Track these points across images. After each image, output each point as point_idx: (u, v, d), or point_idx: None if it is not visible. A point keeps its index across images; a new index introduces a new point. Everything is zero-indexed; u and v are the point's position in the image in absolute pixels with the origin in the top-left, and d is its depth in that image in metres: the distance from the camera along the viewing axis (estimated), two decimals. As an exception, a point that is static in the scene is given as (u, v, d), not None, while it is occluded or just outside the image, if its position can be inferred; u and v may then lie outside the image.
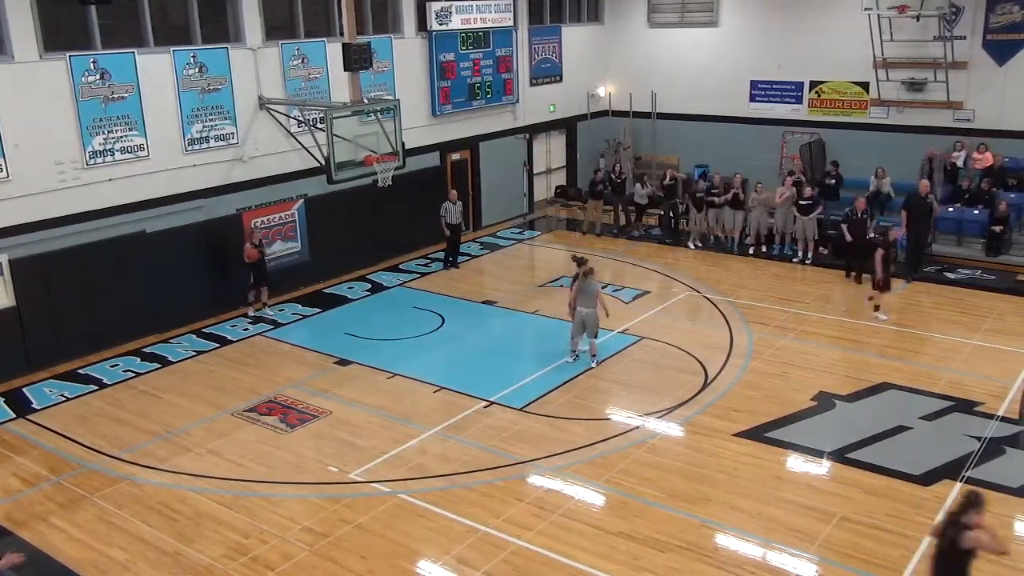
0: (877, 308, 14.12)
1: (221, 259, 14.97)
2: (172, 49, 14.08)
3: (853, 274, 16.09)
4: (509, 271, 17.75)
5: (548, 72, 21.80)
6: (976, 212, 17.16)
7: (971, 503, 6.57)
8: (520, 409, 11.36)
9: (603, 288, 13.19)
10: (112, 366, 13.17)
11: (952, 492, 9.15)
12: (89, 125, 13.17)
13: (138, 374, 12.88)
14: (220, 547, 8.61)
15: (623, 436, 10.59)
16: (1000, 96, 18.02)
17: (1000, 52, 17.88)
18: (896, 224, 16.04)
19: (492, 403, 11.55)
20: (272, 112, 15.46)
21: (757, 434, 10.52)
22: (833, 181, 18.39)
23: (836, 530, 8.57)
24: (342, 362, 13.08)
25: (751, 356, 12.86)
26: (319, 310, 15.48)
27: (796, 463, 9.92)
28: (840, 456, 9.95)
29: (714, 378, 12.15)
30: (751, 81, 21.13)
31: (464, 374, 12.49)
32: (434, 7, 18.18)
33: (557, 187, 22.87)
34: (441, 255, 17.98)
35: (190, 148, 14.50)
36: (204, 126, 14.64)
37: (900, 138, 19.06)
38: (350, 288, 16.59)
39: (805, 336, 13.60)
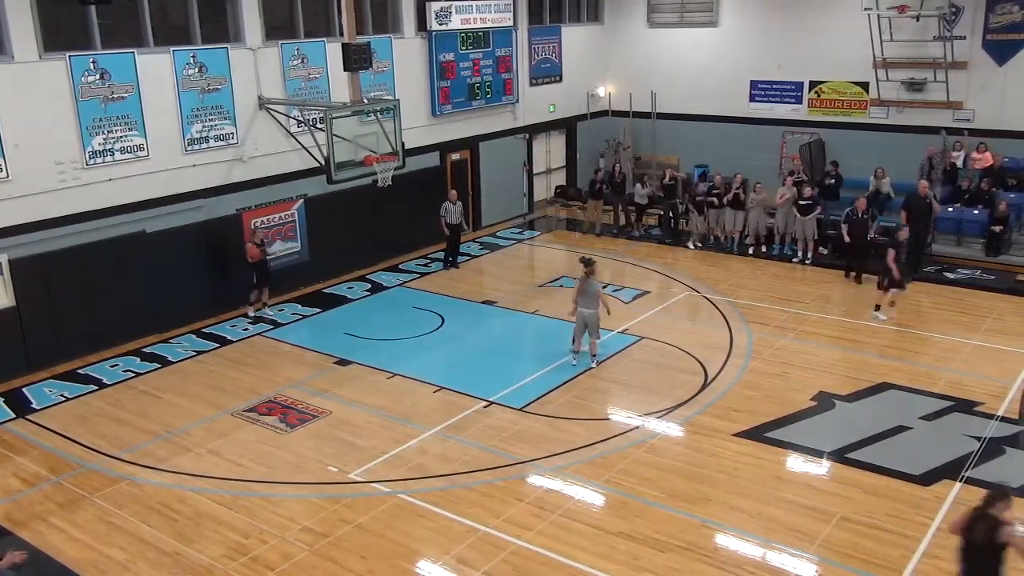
0: (878, 308, 14.11)
1: (221, 259, 14.97)
2: (172, 49, 14.08)
3: (853, 274, 16.08)
4: (509, 271, 17.75)
5: (548, 72, 21.80)
6: (976, 212, 17.17)
7: (999, 497, 6.47)
8: (520, 409, 11.36)
9: (603, 288, 13.17)
10: (112, 366, 13.17)
11: (952, 492, 9.15)
12: (89, 125, 13.17)
13: (138, 374, 12.88)
14: (220, 547, 8.61)
15: (623, 436, 10.59)
16: (1000, 96, 18.03)
17: (1000, 52, 17.89)
18: (900, 225, 16.03)
19: (492, 403, 11.55)
20: (272, 112, 15.46)
21: (757, 434, 10.52)
22: (833, 181, 18.39)
23: (836, 530, 8.57)
24: (342, 362, 13.08)
25: (751, 356, 12.86)
26: (319, 310, 15.48)
27: (796, 463, 9.92)
28: (840, 456, 9.95)
29: (714, 378, 12.15)
30: (751, 81, 21.14)
31: (464, 374, 12.49)
32: (434, 7, 18.18)
33: (557, 187, 22.88)
34: (441, 255, 17.98)
35: (190, 148, 14.50)
36: (204, 126, 14.64)
37: (900, 138, 19.06)
38: (350, 288, 16.59)
39: (805, 336, 13.60)
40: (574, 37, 22.34)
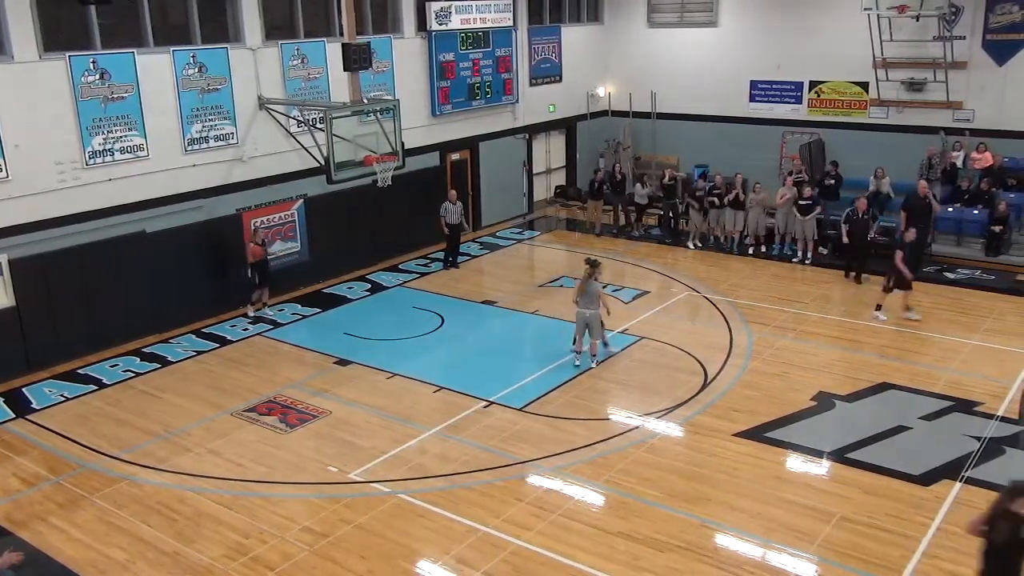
0: (879, 308, 14.09)
1: (221, 259, 14.97)
2: (172, 49, 14.08)
3: (852, 274, 16.08)
4: (509, 271, 17.75)
5: (548, 72, 21.80)
6: (976, 212, 17.16)
7: (1019, 492, 6.33)
8: (520, 409, 11.36)
9: (603, 288, 13.16)
10: (112, 366, 13.17)
11: (952, 492, 9.15)
12: (89, 125, 13.17)
13: (138, 374, 12.88)
14: (220, 547, 8.61)
15: (623, 436, 10.59)
16: (1000, 96, 18.03)
17: (1000, 52, 17.89)
18: (901, 225, 16.05)
19: (492, 403, 11.55)
20: (272, 112, 15.46)
21: (757, 434, 10.52)
22: (832, 181, 18.39)
23: (836, 530, 8.57)
24: (342, 362, 13.08)
25: (751, 356, 12.86)
26: (319, 310, 15.48)
27: (796, 463, 9.92)
28: (840, 456, 9.95)
29: (714, 378, 12.15)
30: (751, 81, 21.14)
31: (464, 374, 12.49)
32: (434, 7, 18.18)
33: (557, 187, 22.88)
34: (441, 255, 17.98)
35: (190, 148, 14.50)
36: (204, 126, 14.64)
37: (900, 138, 19.06)
38: (350, 288, 16.59)
39: (805, 336, 13.60)
40: (574, 37, 22.34)
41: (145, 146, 13.89)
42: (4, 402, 12.02)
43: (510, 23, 20.08)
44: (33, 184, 12.66)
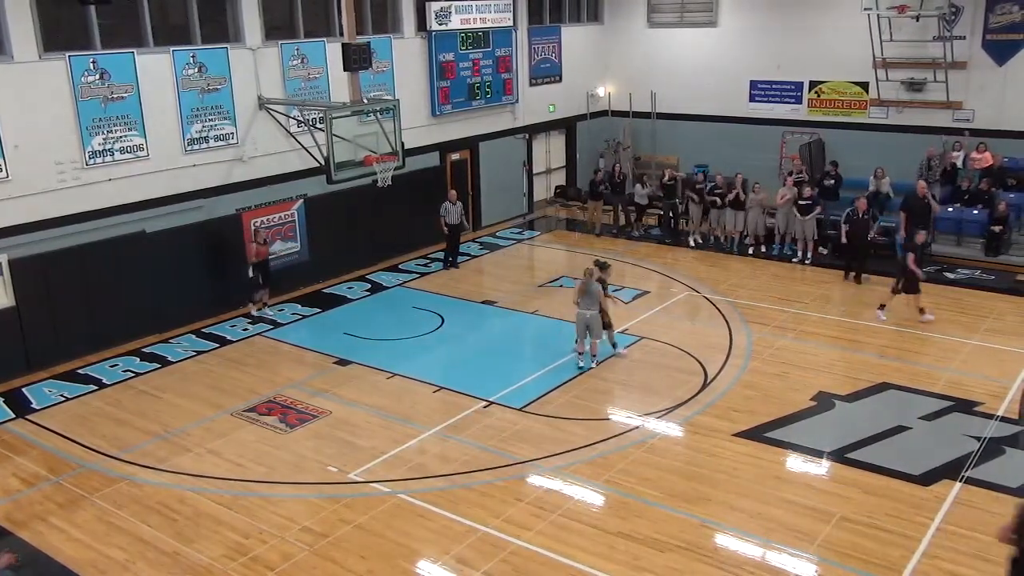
0: (882, 307, 14.07)
1: (221, 259, 14.97)
2: (172, 49, 14.08)
3: (852, 274, 16.07)
4: (509, 271, 17.75)
5: (548, 72, 21.80)
6: (975, 212, 17.16)
7: None
8: (520, 409, 11.36)
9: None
10: (112, 366, 13.17)
11: (952, 492, 9.15)
12: (89, 125, 13.17)
13: (138, 374, 12.88)
14: (219, 547, 8.61)
15: (623, 436, 10.59)
16: (1000, 96, 18.03)
17: (1000, 52, 17.89)
18: (900, 226, 16.06)
19: (492, 403, 11.55)
20: (272, 112, 15.46)
21: (757, 434, 10.52)
22: (832, 181, 18.39)
23: (836, 530, 8.57)
24: (342, 362, 13.08)
25: (750, 356, 12.86)
26: (319, 310, 15.48)
27: (796, 463, 9.92)
28: (840, 456, 9.95)
29: (713, 378, 12.15)
30: (751, 81, 21.14)
31: (464, 374, 12.49)
32: (434, 7, 18.18)
33: (557, 187, 22.87)
34: (441, 255, 17.98)
35: (190, 148, 14.50)
36: (204, 126, 14.64)
37: (900, 138, 19.05)
38: (350, 288, 16.59)
39: (804, 336, 13.60)
40: (574, 37, 22.34)
41: (145, 146, 13.89)
42: (4, 402, 12.02)
43: (510, 23, 20.08)
44: (33, 184, 12.66)
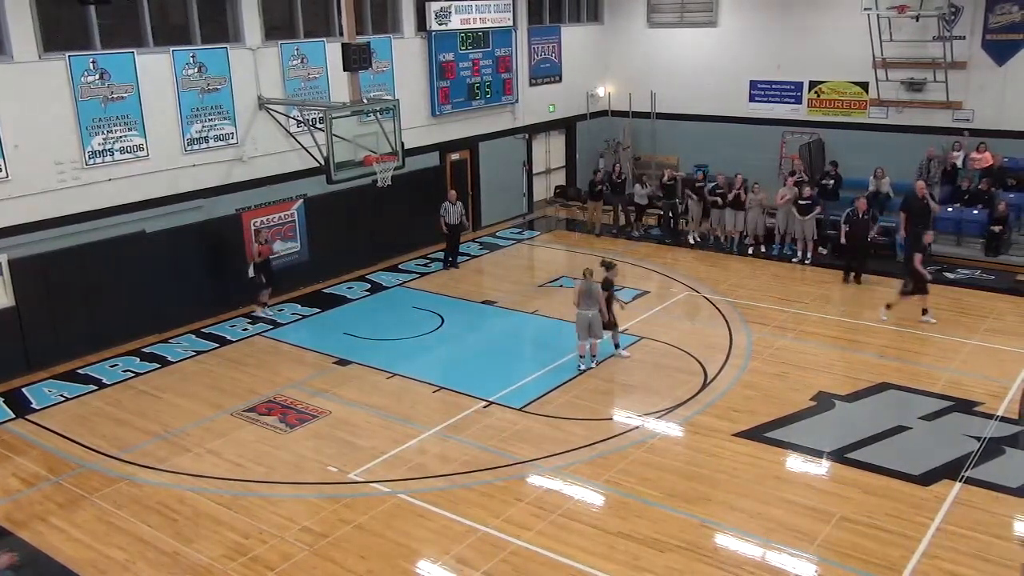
0: (889, 307, 14.04)
1: (220, 259, 14.97)
2: (171, 49, 14.08)
3: (852, 275, 16.06)
4: (509, 271, 17.75)
5: (547, 72, 21.80)
6: (975, 212, 17.16)
7: None
8: (520, 409, 11.36)
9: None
10: (111, 366, 13.16)
11: (952, 492, 9.15)
12: (89, 125, 13.17)
13: (137, 374, 12.88)
14: (219, 547, 8.61)
15: (623, 436, 10.59)
16: (999, 96, 18.03)
17: (999, 52, 17.89)
18: (900, 226, 16.06)
19: (492, 403, 11.55)
20: (271, 112, 15.46)
21: (757, 434, 10.52)
22: (832, 181, 18.39)
23: (836, 530, 8.57)
24: (341, 362, 13.08)
25: (750, 356, 12.86)
26: (318, 310, 15.48)
27: (796, 463, 9.92)
28: (840, 456, 9.95)
29: (713, 378, 12.15)
30: (750, 81, 21.14)
31: (464, 374, 12.49)
32: (433, 7, 18.18)
33: (557, 187, 22.87)
34: (441, 255, 17.98)
35: (189, 148, 14.50)
36: (203, 126, 14.64)
37: (899, 138, 19.05)
38: (349, 288, 16.59)
39: (804, 336, 13.60)
40: (574, 37, 22.33)
41: (145, 146, 13.88)
42: (4, 402, 12.01)
43: (510, 23, 20.08)
44: (33, 184, 12.66)
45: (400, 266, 17.84)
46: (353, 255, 17.29)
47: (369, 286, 16.70)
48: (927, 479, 9.41)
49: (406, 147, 15.88)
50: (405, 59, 18.00)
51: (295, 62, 15.85)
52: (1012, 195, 17.21)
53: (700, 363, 12.63)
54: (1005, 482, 9.31)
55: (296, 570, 8.23)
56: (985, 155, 17.69)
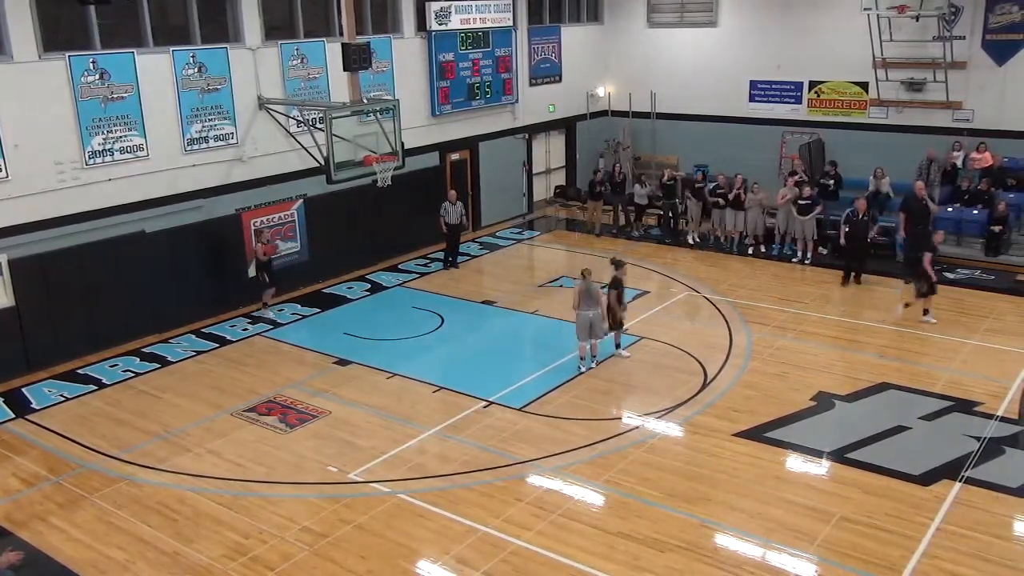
0: (926, 312, 13.96)
1: (220, 259, 14.97)
2: (171, 49, 14.07)
3: (853, 275, 16.04)
4: (509, 271, 17.75)
5: (547, 72, 21.80)
6: (975, 212, 17.16)
7: None
8: (519, 409, 11.36)
9: (602, 289, 13.17)
10: (111, 366, 13.16)
11: (952, 492, 9.15)
12: (88, 125, 13.17)
13: (137, 374, 12.88)
14: (219, 547, 8.61)
15: (622, 436, 10.59)
16: (999, 96, 18.03)
17: (999, 52, 17.89)
18: (900, 226, 16.03)
19: (492, 403, 11.55)
20: (271, 112, 15.46)
21: (757, 434, 10.52)
22: (831, 181, 18.39)
23: (836, 530, 8.57)
24: (341, 362, 13.08)
25: (750, 356, 12.86)
26: (318, 310, 15.48)
27: (796, 463, 9.92)
28: (840, 456, 9.95)
29: (713, 378, 12.15)
30: (750, 81, 21.14)
31: (464, 374, 12.49)
32: (433, 7, 18.19)
33: (556, 187, 22.87)
34: (441, 255, 17.98)
35: (189, 148, 14.50)
36: (203, 126, 14.64)
37: (899, 138, 19.05)
38: (349, 288, 16.59)
39: (804, 336, 13.60)
40: (574, 37, 22.33)
41: (145, 146, 13.88)
42: (4, 402, 12.01)
43: (510, 23, 20.08)
44: (33, 184, 12.66)
45: (400, 266, 17.84)
46: (353, 255, 17.29)
47: (369, 286, 16.70)
48: (927, 479, 9.41)
49: (406, 147, 15.87)
50: (405, 59, 18.00)
51: (295, 62, 15.85)
52: (1012, 195, 17.20)
53: (700, 363, 12.63)
54: (1005, 482, 9.31)
55: (296, 570, 8.23)
56: (985, 155, 17.70)
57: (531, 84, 21.29)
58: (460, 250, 18.07)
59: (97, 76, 13.17)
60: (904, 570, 7.98)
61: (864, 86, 19.61)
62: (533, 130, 21.65)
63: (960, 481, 9.34)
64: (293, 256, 16.32)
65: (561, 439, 10.52)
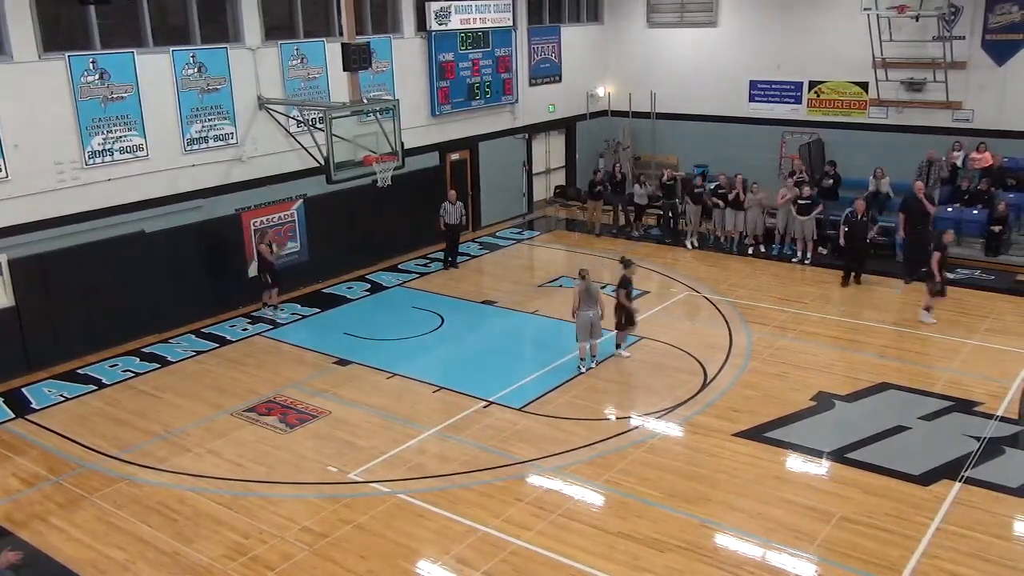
0: (928, 309, 13.95)
1: (220, 259, 14.97)
2: (171, 49, 14.07)
3: (853, 275, 16.03)
4: (509, 271, 17.75)
5: (547, 72, 21.80)
6: (975, 212, 17.16)
7: None
8: (519, 409, 11.36)
9: (602, 288, 13.19)
10: (111, 366, 13.16)
11: (952, 492, 9.15)
12: (88, 125, 13.16)
13: (137, 374, 12.88)
14: (219, 547, 8.61)
15: (622, 436, 10.59)
16: (999, 96, 18.03)
17: (999, 52, 17.89)
18: (899, 227, 16.01)
19: (491, 403, 11.55)
20: (271, 112, 15.46)
21: (756, 434, 10.52)
22: (831, 181, 18.39)
23: (836, 530, 8.57)
24: (341, 362, 13.08)
25: (750, 356, 12.86)
26: (318, 310, 15.48)
27: (796, 463, 9.92)
28: (840, 456, 9.95)
29: (713, 378, 12.15)
30: (750, 81, 21.13)
31: (464, 374, 12.49)
32: (433, 7, 18.18)
33: (556, 187, 22.88)
34: (440, 255, 17.98)
35: (189, 148, 14.50)
36: (203, 126, 14.64)
37: (899, 138, 19.05)
38: (349, 288, 16.58)
39: (804, 336, 13.60)
40: (574, 37, 22.33)
41: (144, 146, 13.88)
42: (4, 402, 12.01)
43: (510, 23, 20.08)
44: (33, 184, 12.66)
45: (400, 266, 17.84)
46: (353, 255, 17.29)
47: (369, 286, 16.70)
48: (927, 479, 9.41)
49: (406, 147, 15.87)
50: (405, 59, 18.00)
51: (295, 62, 15.85)
52: (1012, 195, 17.20)
53: (700, 363, 12.63)
54: (1005, 482, 9.31)
55: (296, 570, 8.23)
56: (985, 155, 17.70)
57: (531, 84, 21.29)
58: (460, 250, 18.07)
59: (97, 76, 13.16)
60: (904, 570, 7.98)
61: (864, 86, 19.61)
62: (533, 130, 21.65)
63: (960, 481, 9.34)
64: (293, 256, 16.32)
65: (561, 439, 10.52)
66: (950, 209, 17.31)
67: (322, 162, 14.48)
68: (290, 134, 15.60)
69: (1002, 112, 18.03)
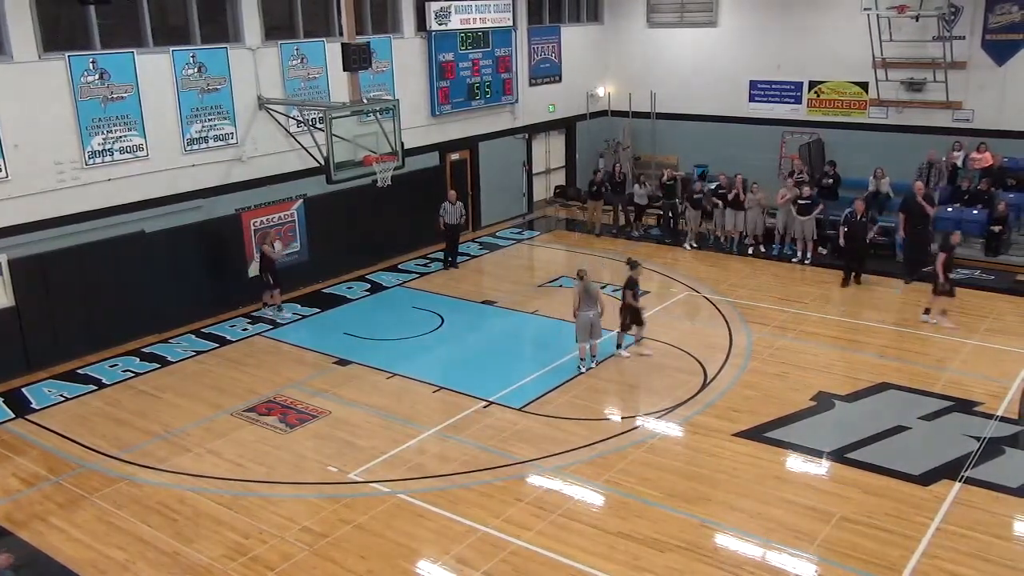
0: (927, 311, 13.92)
1: (220, 259, 14.97)
2: (171, 49, 14.07)
3: (853, 275, 16.03)
4: (508, 271, 17.75)
5: (547, 72, 21.80)
6: (975, 212, 17.15)
7: None
8: (519, 409, 11.36)
9: (602, 288, 13.19)
10: (111, 366, 13.16)
11: (951, 492, 9.15)
12: (88, 125, 13.16)
13: (137, 374, 12.88)
14: (219, 547, 8.61)
15: (622, 436, 10.59)
16: (999, 96, 18.03)
17: (999, 52, 17.89)
18: (899, 227, 16.00)
19: (491, 403, 11.55)
20: (271, 112, 15.46)
21: (756, 434, 10.52)
22: (831, 181, 18.39)
23: (836, 530, 8.57)
24: (341, 362, 13.08)
25: (750, 356, 12.86)
26: (318, 310, 15.48)
27: (796, 463, 9.92)
28: (840, 456, 9.95)
29: (713, 378, 12.15)
30: (750, 81, 21.13)
31: (464, 374, 12.49)
32: (433, 7, 18.18)
33: (556, 187, 22.88)
34: (440, 255, 17.98)
35: (189, 148, 14.50)
36: (203, 126, 14.64)
37: (899, 138, 19.05)
38: (349, 288, 16.58)
39: (804, 336, 13.60)
40: (574, 37, 22.33)
41: (144, 146, 13.88)
42: (4, 402, 12.01)
43: (510, 23, 20.08)
44: (32, 184, 12.66)
45: (400, 266, 17.84)
46: (353, 255, 17.29)
47: (369, 286, 16.70)
48: (927, 479, 9.41)
49: (406, 147, 15.87)
50: (405, 59, 18.00)
51: (295, 62, 15.85)
52: (1012, 195, 17.20)
53: (700, 363, 12.63)
54: (1005, 482, 9.31)
55: (296, 570, 8.23)
56: (985, 155, 17.69)
57: (531, 84, 21.29)
58: (460, 250, 18.07)
59: (97, 76, 13.16)
60: (904, 570, 7.98)
61: (864, 86, 19.61)
62: (533, 130, 21.65)
63: (960, 481, 9.34)
64: (293, 256, 16.31)
65: (561, 439, 10.52)
66: (950, 209, 17.30)
67: (322, 162, 14.48)
68: (290, 134, 15.60)
69: (1002, 112, 18.03)
